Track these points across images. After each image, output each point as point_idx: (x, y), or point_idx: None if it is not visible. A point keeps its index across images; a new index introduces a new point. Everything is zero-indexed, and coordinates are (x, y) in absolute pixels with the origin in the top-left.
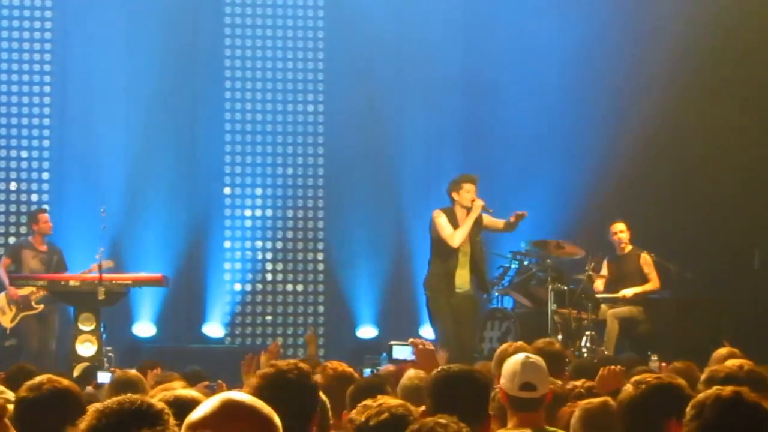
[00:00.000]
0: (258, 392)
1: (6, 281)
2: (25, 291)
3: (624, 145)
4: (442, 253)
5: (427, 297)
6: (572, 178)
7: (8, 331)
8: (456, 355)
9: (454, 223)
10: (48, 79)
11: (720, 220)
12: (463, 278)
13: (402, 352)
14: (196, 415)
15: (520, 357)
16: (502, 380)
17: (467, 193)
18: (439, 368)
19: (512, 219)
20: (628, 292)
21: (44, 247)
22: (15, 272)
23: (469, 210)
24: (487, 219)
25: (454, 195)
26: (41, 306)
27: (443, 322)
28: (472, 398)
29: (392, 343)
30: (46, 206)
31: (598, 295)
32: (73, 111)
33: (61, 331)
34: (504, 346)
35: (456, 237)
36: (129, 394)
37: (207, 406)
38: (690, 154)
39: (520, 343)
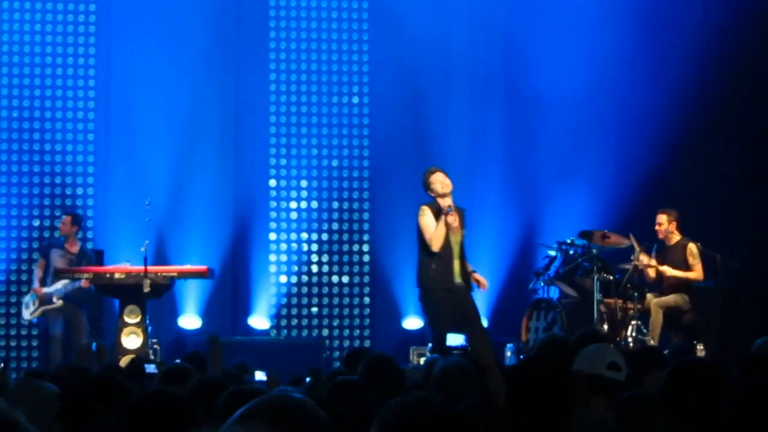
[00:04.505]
0: None
1: (37, 279)
2: (49, 288)
3: (671, 133)
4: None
5: (423, 293)
6: (618, 168)
7: (29, 323)
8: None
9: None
10: (92, 72)
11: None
12: (458, 269)
13: (456, 339)
14: (250, 405)
15: (598, 344)
16: (582, 363)
17: (434, 185)
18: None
19: (473, 276)
20: (669, 270)
21: (75, 249)
22: (45, 271)
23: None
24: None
25: (430, 192)
26: (61, 302)
27: (442, 322)
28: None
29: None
30: (79, 211)
31: (637, 264)
32: (117, 105)
33: (107, 324)
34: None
35: (434, 243)
36: (166, 390)
37: (263, 399)
38: (738, 142)
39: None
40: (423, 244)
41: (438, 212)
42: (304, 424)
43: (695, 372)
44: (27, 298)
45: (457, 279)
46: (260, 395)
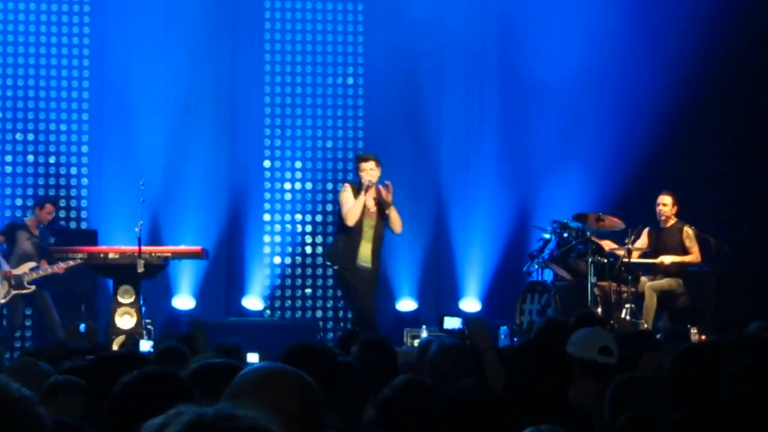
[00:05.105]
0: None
1: (3, 261)
2: (18, 271)
3: (666, 116)
4: (347, 227)
5: (336, 272)
6: (613, 150)
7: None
8: (366, 330)
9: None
10: (87, 52)
11: (762, 193)
12: (366, 252)
13: (452, 323)
14: (237, 383)
15: (590, 328)
16: (574, 347)
17: (362, 172)
18: (525, 341)
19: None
20: (666, 258)
21: (36, 232)
22: (8, 251)
23: (366, 188)
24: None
25: (359, 174)
26: (33, 287)
27: (357, 297)
28: (553, 372)
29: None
30: (64, 199)
31: (635, 260)
32: (111, 86)
33: (101, 304)
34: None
35: (348, 217)
36: (162, 368)
37: (247, 373)
38: (734, 125)
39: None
40: (339, 220)
41: (359, 191)
42: (301, 393)
43: (704, 355)
44: None
45: (362, 261)
46: (228, 368)
